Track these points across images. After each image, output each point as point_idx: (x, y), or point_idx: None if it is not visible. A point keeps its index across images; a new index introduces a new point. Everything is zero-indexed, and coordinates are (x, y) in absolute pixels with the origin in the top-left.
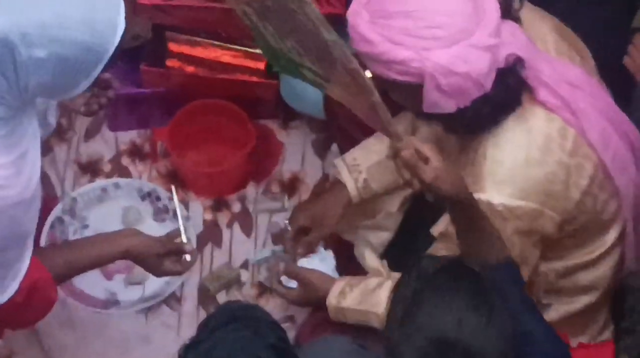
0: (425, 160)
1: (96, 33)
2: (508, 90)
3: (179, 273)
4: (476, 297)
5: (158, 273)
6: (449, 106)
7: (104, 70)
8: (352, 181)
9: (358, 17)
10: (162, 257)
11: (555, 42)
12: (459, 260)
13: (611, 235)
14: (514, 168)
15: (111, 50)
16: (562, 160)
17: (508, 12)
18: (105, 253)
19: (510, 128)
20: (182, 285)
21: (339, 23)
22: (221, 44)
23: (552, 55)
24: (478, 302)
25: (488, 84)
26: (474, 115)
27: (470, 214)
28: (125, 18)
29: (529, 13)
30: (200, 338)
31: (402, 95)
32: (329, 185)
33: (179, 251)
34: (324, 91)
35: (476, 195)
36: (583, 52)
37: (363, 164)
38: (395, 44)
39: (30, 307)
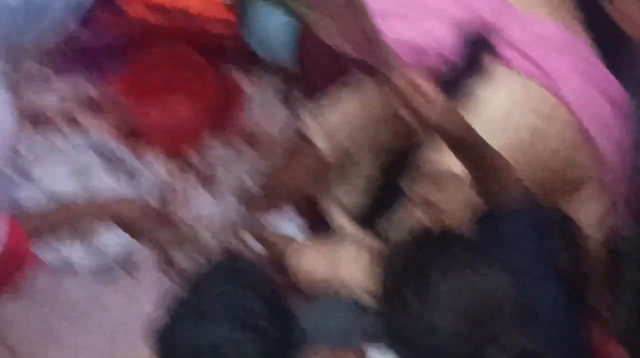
0: (425, 96)
1: None
2: (472, 57)
3: None
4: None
5: None
6: None
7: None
8: (321, 138)
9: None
10: None
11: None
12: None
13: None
14: (489, 125)
15: None
16: (536, 124)
17: None
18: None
19: (479, 95)
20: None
21: None
22: None
23: (521, 7)
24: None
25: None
26: (450, 79)
27: (478, 154)
28: None
29: None
30: (190, 295)
31: None
32: (297, 143)
33: None
34: (300, 26)
35: (438, 167)
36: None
37: (333, 120)
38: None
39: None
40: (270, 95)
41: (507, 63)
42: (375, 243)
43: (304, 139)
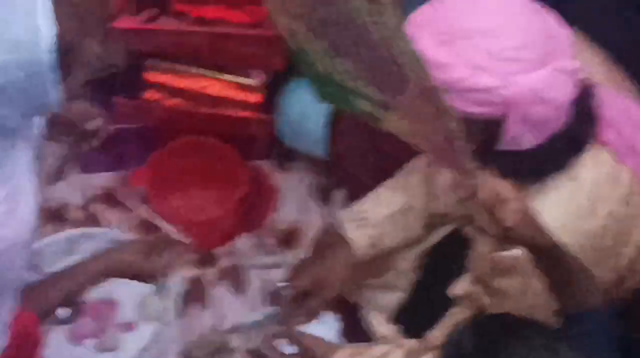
0: (504, 201)
1: (20, 47)
2: (583, 123)
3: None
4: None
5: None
6: (529, 141)
7: (66, 81)
8: (359, 237)
9: (421, 36)
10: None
11: (606, 74)
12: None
13: None
14: (559, 221)
15: (47, 55)
16: (615, 211)
17: None
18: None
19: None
20: (162, 351)
21: None
22: (208, 72)
23: (615, 90)
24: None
25: (565, 116)
26: (548, 152)
27: (556, 260)
28: (56, 18)
29: (578, 42)
30: None
31: (470, 131)
32: (331, 240)
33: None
34: (380, 122)
35: (511, 252)
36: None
37: (372, 218)
38: (476, 69)
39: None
40: (304, 190)
41: (604, 141)
42: (414, 343)
43: (339, 239)
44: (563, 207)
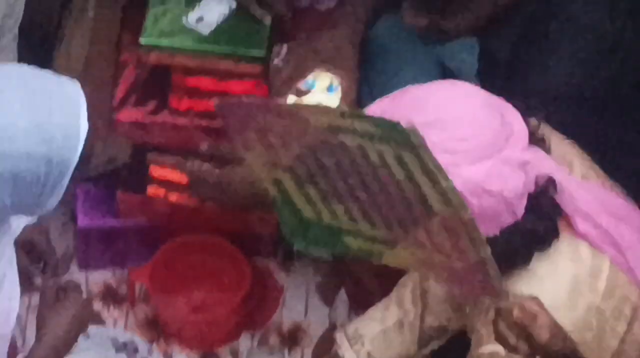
0: (535, 317)
1: (54, 142)
2: (542, 218)
3: None
4: None
5: None
6: (483, 232)
7: (74, 183)
8: (353, 355)
9: None
10: None
11: (582, 166)
12: None
13: None
14: (556, 294)
15: (75, 158)
16: (594, 302)
17: (532, 134)
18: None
19: (533, 267)
20: None
21: None
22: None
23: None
24: None
25: (520, 209)
26: (505, 248)
27: None
28: (88, 120)
29: (551, 135)
30: None
31: None
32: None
33: None
34: (378, 258)
35: (490, 348)
36: (611, 183)
37: (366, 335)
38: None
39: None
40: (309, 290)
41: (575, 229)
42: None
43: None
44: (544, 300)
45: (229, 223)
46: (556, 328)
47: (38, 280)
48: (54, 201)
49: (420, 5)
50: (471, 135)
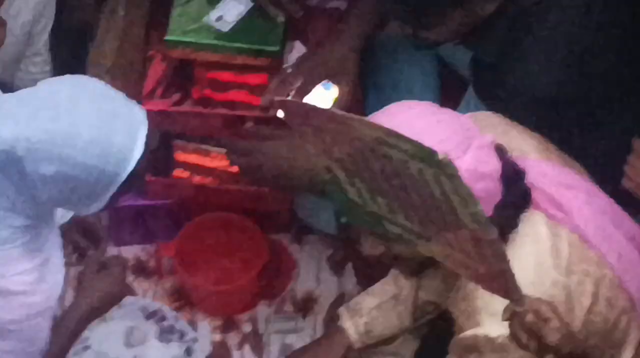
0: (546, 320)
1: (109, 158)
2: (517, 187)
3: None
4: None
5: None
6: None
7: (121, 192)
8: (350, 326)
9: None
10: None
11: (536, 146)
12: None
13: (627, 355)
14: (523, 269)
15: (123, 176)
16: (558, 279)
17: None
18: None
19: (516, 236)
20: None
21: None
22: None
23: (534, 157)
24: None
25: (500, 186)
26: (499, 225)
27: (589, 354)
28: (146, 143)
29: (512, 128)
30: None
31: None
32: (331, 328)
33: None
34: (413, 246)
35: (471, 332)
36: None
37: (364, 308)
38: None
39: None
40: (320, 262)
41: (536, 204)
42: None
43: (337, 327)
44: (523, 268)
45: (247, 202)
46: (566, 331)
47: (91, 253)
48: (97, 206)
49: (404, 19)
50: (447, 136)
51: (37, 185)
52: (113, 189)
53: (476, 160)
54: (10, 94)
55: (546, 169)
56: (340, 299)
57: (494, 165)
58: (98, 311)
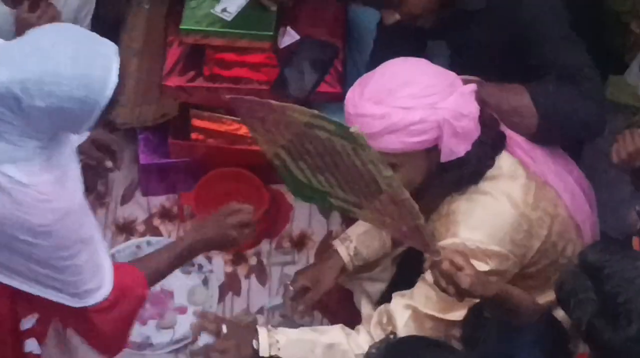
0: (460, 268)
1: (89, 89)
2: (493, 130)
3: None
4: None
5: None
6: (460, 150)
7: (103, 117)
8: (343, 250)
9: (362, 106)
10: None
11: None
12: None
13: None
14: (484, 217)
15: (103, 103)
16: (525, 213)
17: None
18: (184, 251)
19: (485, 184)
20: None
21: (337, 100)
22: (237, 119)
23: None
24: None
25: (478, 126)
26: (477, 158)
27: (502, 304)
28: (119, 75)
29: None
30: None
31: (413, 165)
32: (327, 253)
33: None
34: (351, 214)
35: (450, 240)
36: None
37: (353, 235)
38: (407, 109)
39: (118, 308)
40: (311, 207)
41: (512, 152)
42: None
43: (332, 252)
44: (490, 217)
45: (251, 159)
46: (477, 278)
47: (109, 164)
48: (85, 128)
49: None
50: (434, 82)
51: (35, 115)
52: (97, 114)
53: (458, 102)
54: (2, 42)
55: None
56: (329, 236)
57: (473, 109)
58: (204, 248)
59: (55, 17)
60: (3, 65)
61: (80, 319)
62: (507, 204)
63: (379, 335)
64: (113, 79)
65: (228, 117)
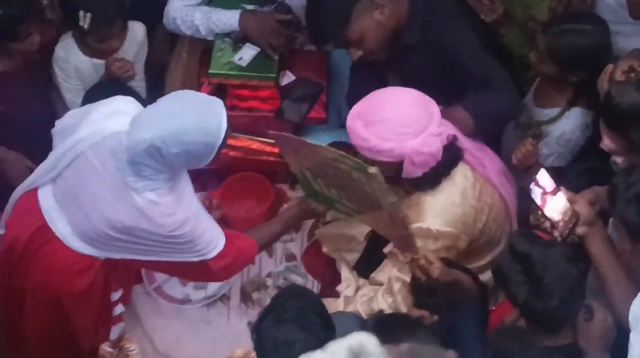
0: (431, 263)
1: (209, 136)
2: (451, 156)
3: None
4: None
5: None
6: (418, 173)
7: (219, 153)
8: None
9: (355, 124)
10: None
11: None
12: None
13: (500, 247)
14: (443, 207)
15: (219, 144)
16: (473, 204)
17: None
18: (287, 224)
19: (442, 184)
20: (230, 288)
21: (322, 123)
22: (251, 137)
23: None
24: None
25: (440, 156)
26: (433, 175)
27: (457, 286)
28: (227, 125)
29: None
30: (273, 306)
31: (387, 169)
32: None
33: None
34: (353, 218)
35: (417, 224)
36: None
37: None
38: (383, 139)
39: (233, 262)
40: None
41: (466, 161)
42: (363, 282)
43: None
44: (446, 207)
45: (261, 166)
46: (442, 269)
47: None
48: (205, 163)
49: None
50: (410, 123)
51: (171, 158)
52: (213, 153)
53: (423, 143)
54: (142, 109)
55: (464, 140)
56: (317, 221)
57: (434, 147)
58: (288, 228)
59: (131, 69)
60: (147, 127)
61: (200, 269)
62: (460, 198)
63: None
64: (224, 127)
65: (244, 136)
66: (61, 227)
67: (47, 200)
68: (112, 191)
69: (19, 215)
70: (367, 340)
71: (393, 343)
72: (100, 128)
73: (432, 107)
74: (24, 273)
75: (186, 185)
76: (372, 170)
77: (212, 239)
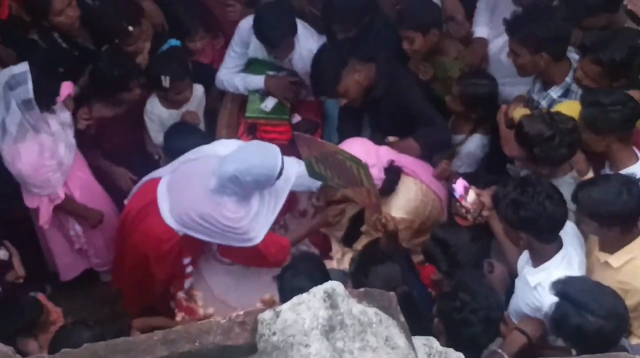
0: (388, 221)
1: (270, 170)
2: (393, 173)
3: None
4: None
5: None
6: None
7: (276, 180)
8: None
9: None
10: None
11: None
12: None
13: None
14: (403, 203)
15: (276, 174)
16: (422, 198)
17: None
18: (311, 229)
19: (399, 189)
20: None
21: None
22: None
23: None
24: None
25: (382, 177)
26: (386, 187)
27: (393, 238)
28: (282, 160)
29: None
30: (290, 265)
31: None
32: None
33: None
34: (339, 188)
35: (386, 212)
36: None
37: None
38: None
39: (269, 255)
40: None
41: (407, 173)
42: (347, 249)
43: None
44: (404, 203)
45: None
46: (397, 227)
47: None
48: (269, 186)
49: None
50: (373, 163)
51: (244, 184)
52: (273, 182)
53: (378, 172)
54: (226, 153)
55: (400, 157)
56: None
57: (379, 176)
58: (312, 232)
59: (197, 117)
60: (232, 162)
61: (253, 253)
62: (414, 195)
63: None
64: (279, 164)
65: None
66: (163, 205)
67: (163, 185)
68: (204, 192)
69: (140, 193)
70: (337, 285)
71: (363, 270)
72: (213, 149)
73: (380, 149)
74: (129, 233)
75: (254, 201)
76: (364, 162)
77: (256, 236)
